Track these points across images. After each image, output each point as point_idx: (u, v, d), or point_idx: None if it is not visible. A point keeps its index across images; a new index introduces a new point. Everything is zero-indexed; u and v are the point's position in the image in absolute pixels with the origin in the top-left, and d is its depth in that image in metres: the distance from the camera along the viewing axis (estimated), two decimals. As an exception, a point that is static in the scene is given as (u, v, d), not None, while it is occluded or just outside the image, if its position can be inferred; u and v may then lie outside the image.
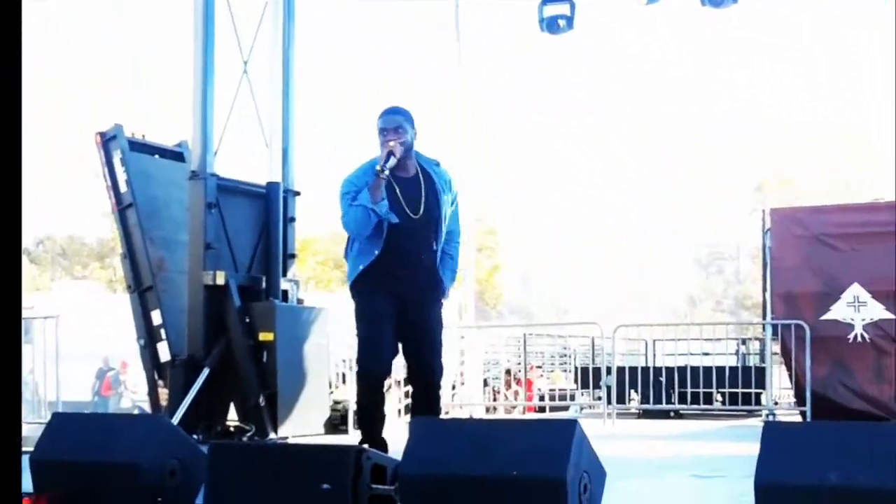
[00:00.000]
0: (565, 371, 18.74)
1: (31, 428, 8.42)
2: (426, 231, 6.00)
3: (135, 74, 46.49)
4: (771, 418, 10.66)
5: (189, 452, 4.68)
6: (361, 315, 5.99)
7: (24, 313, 8.29)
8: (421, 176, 6.00)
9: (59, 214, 44.92)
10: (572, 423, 4.13)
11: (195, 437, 7.87)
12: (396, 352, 6.11)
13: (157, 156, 9.86)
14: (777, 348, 11.58)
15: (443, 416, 7.03)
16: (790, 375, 11.44)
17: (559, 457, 3.97)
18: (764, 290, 11.82)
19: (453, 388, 13.23)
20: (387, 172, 5.75)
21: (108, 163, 9.46)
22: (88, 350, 21.22)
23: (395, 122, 5.89)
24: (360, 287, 5.99)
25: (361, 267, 5.95)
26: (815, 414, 10.50)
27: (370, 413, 6.06)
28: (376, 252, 5.91)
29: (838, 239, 10.97)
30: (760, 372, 12.30)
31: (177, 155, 9.95)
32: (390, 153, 5.75)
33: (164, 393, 9.21)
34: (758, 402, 12.00)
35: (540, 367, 19.07)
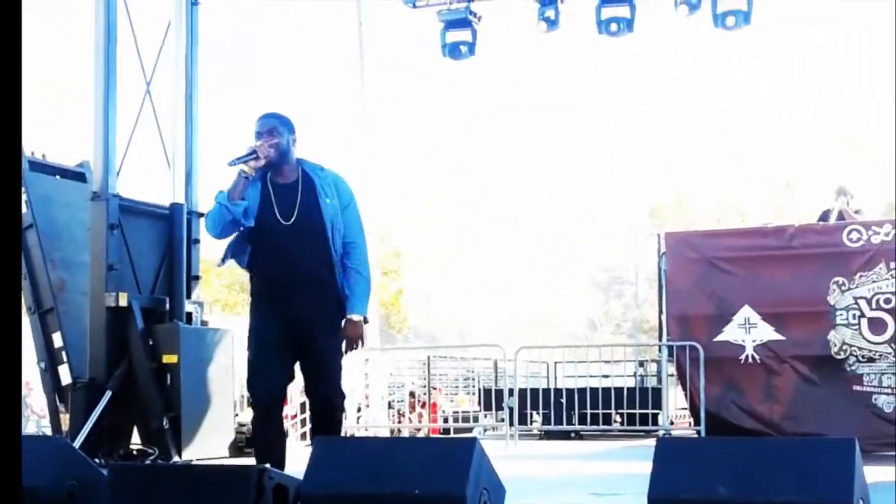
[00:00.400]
0: (469, 393, 18.89)
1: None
2: (305, 240, 5.63)
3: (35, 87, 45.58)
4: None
5: (89, 475, 4.62)
6: (250, 338, 5.75)
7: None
8: (301, 182, 5.71)
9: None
10: (472, 442, 4.23)
11: (97, 460, 7.78)
12: (289, 377, 5.81)
13: (57, 176, 9.75)
14: (673, 369, 11.86)
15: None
16: (686, 395, 11.74)
17: (459, 474, 4.05)
18: (660, 312, 12.11)
19: (358, 410, 13.27)
20: (242, 168, 5.50)
21: (8, 183, 9.34)
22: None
23: (269, 125, 5.68)
24: (254, 306, 5.78)
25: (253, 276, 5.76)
26: (709, 433, 10.79)
27: (263, 437, 5.80)
28: (244, 262, 5.72)
29: (729, 262, 11.30)
30: (657, 392, 12.59)
31: (78, 175, 9.86)
32: (254, 150, 5.55)
33: (65, 417, 9.10)
34: (655, 423, 12.29)
35: (437, 388, 19.18)
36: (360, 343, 5.71)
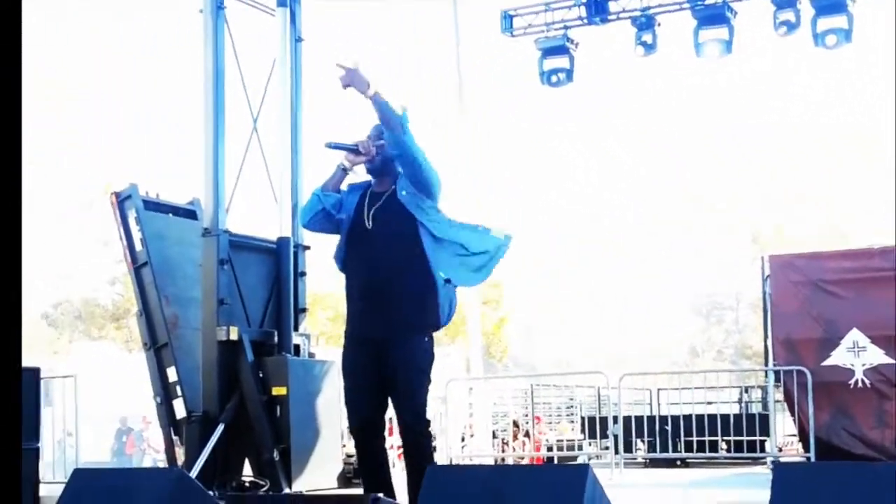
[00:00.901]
0: (572, 421, 18.80)
1: (52, 488, 8.51)
2: (384, 247, 5.57)
3: (143, 126, 46.82)
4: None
5: (206, 506, 4.76)
6: (343, 363, 5.76)
7: (44, 374, 8.45)
8: (392, 192, 5.69)
9: (75, 278, 45.09)
10: (584, 469, 4.24)
11: (212, 492, 7.94)
12: (381, 401, 5.69)
13: (170, 214, 10.03)
14: (780, 395, 11.68)
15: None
16: (794, 421, 11.54)
17: (573, 501, 4.08)
18: (766, 336, 11.94)
19: (462, 440, 13.31)
20: (342, 161, 5.65)
21: (124, 222, 9.64)
22: (106, 411, 21.27)
23: (378, 130, 5.72)
24: (346, 329, 5.76)
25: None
26: (819, 459, 10.57)
27: (363, 465, 5.77)
28: (339, 266, 5.75)
29: (836, 285, 11.11)
30: (764, 419, 12.39)
31: (189, 213, 10.12)
32: (356, 145, 5.63)
33: (180, 450, 9.29)
34: (762, 449, 12.08)
35: (537, 418, 19.12)
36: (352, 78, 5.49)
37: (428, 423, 5.67)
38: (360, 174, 5.87)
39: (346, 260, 5.73)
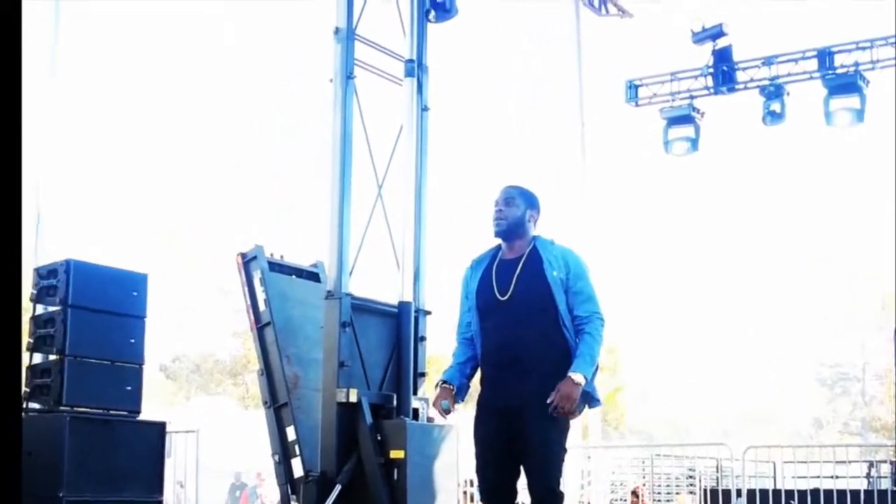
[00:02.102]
0: (692, 493, 18.37)
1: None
2: (522, 315, 5.41)
3: (268, 186, 47.85)
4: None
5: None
6: (475, 431, 5.62)
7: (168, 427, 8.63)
8: (527, 256, 5.55)
9: (193, 332, 46.12)
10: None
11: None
12: (515, 475, 5.57)
13: (294, 276, 10.19)
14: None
15: None
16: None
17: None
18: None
19: (581, 487, 13.10)
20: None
21: (249, 283, 9.81)
22: (221, 465, 21.62)
23: (507, 194, 5.64)
24: (479, 397, 5.65)
25: (459, 363, 5.74)
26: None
27: None
28: (473, 357, 5.68)
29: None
30: (895, 495, 11.96)
31: (312, 275, 10.27)
32: (448, 409, 5.62)
33: (297, 508, 9.36)
34: (892, 528, 11.65)
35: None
36: (569, 407, 5.27)
37: (562, 496, 5.49)
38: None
39: (480, 329, 5.63)
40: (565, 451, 5.55)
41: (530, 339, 5.42)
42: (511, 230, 5.62)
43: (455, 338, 5.88)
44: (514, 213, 5.61)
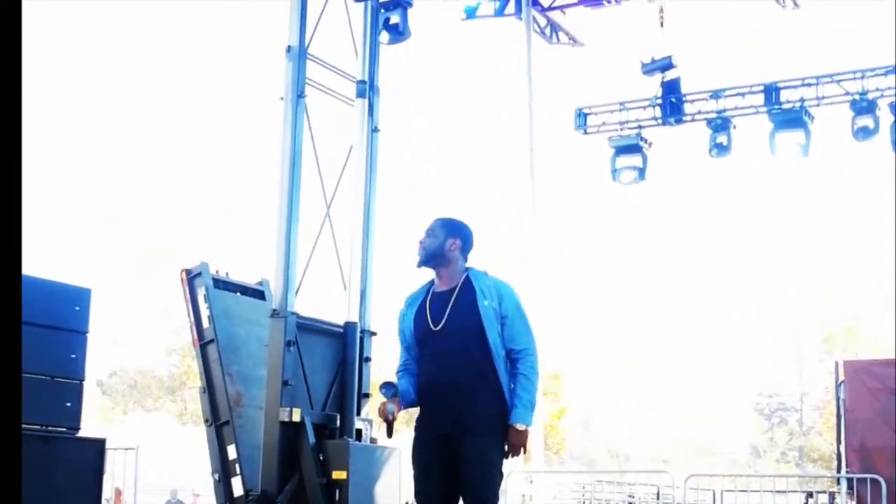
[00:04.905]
0: (632, 520, 18.45)
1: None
2: (455, 344, 5.50)
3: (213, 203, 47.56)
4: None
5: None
6: (413, 454, 5.72)
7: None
8: (459, 287, 5.64)
9: (131, 348, 45.61)
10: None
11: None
12: (452, 496, 5.60)
13: (239, 293, 10.12)
14: (852, 503, 11.40)
15: None
16: (864, 532, 11.24)
17: None
18: (839, 442, 11.71)
19: None
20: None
21: (193, 299, 9.74)
22: (157, 482, 21.36)
23: (429, 226, 5.73)
24: (417, 421, 5.74)
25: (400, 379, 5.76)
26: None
27: None
28: (413, 393, 5.71)
29: (916, 392, 10.88)
30: (832, 528, 12.10)
31: (258, 293, 10.21)
32: (390, 421, 5.61)
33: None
34: (829, 559, 11.78)
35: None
36: (521, 452, 5.50)
37: None
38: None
39: (419, 357, 5.74)
40: (502, 474, 5.65)
41: (462, 367, 5.50)
42: (429, 258, 5.71)
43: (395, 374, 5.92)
44: (433, 243, 5.69)
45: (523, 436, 5.48)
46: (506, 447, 5.47)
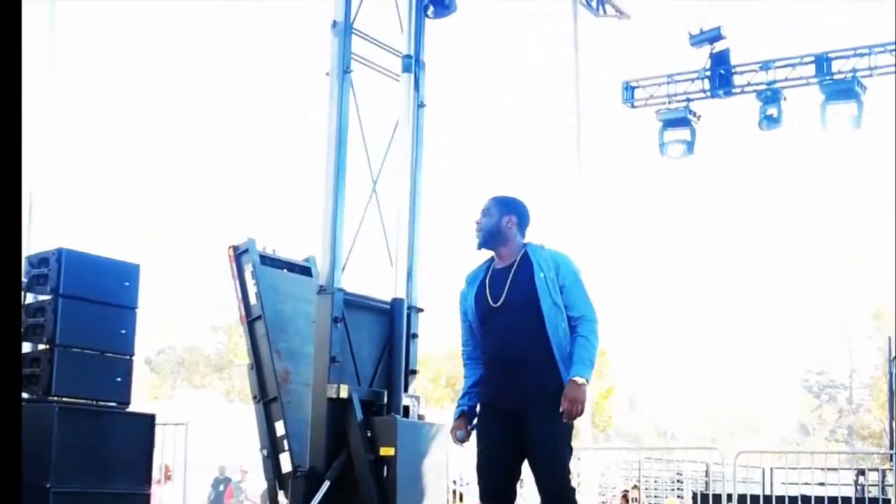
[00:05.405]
0: (680, 497, 18.36)
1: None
2: (516, 320, 5.51)
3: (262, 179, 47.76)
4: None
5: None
6: (477, 434, 5.67)
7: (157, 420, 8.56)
8: (517, 263, 5.65)
9: (180, 325, 45.98)
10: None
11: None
12: (515, 474, 5.62)
13: (285, 270, 10.12)
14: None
15: None
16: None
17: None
18: (891, 419, 11.55)
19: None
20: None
21: (240, 276, 9.75)
22: (205, 459, 21.50)
23: (483, 206, 5.75)
24: (480, 404, 5.70)
25: (472, 385, 5.76)
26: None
27: None
28: (479, 372, 5.73)
29: (969, 370, 10.72)
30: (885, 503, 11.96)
31: (304, 269, 10.21)
32: (463, 439, 5.66)
33: (283, 503, 9.29)
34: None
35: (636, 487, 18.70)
36: (579, 409, 5.36)
37: (573, 491, 5.55)
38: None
39: (481, 335, 5.71)
40: (571, 449, 5.63)
41: (522, 342, 5.50)
42: (488, 239, 5.73)
43: (461, 358, 5.94)
44: (489, 223, 5.71)
45: (581, 390, 5.37)
46: (563, 403, 5.35)
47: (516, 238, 5.73)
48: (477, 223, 5.73)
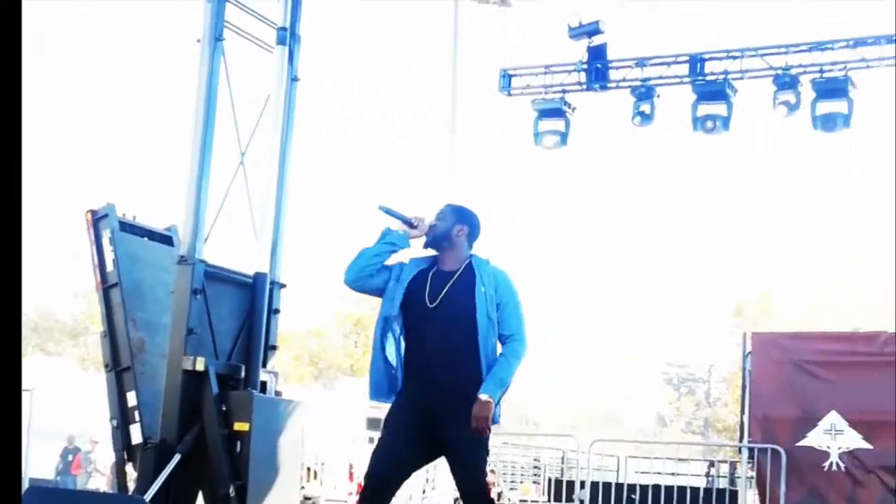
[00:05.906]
0: (536, 483, 18.59)
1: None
2: (445, 327, 5.59)
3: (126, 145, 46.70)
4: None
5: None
6: (387, 418, 5.73)
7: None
8: (461, 271, 5.75)
9: (33, 290, 44.67)
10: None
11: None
12: (411, 466, 5.71)
13: (146, 238, 9.86)
14: (752, 472, 11.57)
15: None
16: (762, 500, 11.43)
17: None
18: (742, 412, 11.86)
19: (423, 492, 13.11)
20: (388, 215, 5.71)
21: (97, 241, 9.46)
22: (54, 428, 20.98)
23: (440, 209, 5.90)
24: (400, 390, 5.77)
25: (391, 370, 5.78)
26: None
27: None
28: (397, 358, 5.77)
29: (818, 366, 11.06)
30: (733, 495, 12.29)
31: (166, 238, 9.96)
32: (413, 219, 5.73)
33: (131, 475, 9.07)
34: (728, 527, 11.95)
35: (493, 472, 18.87)
36: (486, 424, 5.45)
37: (493, 502, 5.64)
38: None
39: (404, 326, 5.77)
40: (488, 451, 5.70)
41: (451, 349, 5.61)
42: (436, 241, 5.80)
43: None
44: (442, 227, 5.79)
45: (486, 407, 5.47)
46: (472, 421, 5.45)
47: (464, 247, 5.85)
48: (431, 225, 5.79)
